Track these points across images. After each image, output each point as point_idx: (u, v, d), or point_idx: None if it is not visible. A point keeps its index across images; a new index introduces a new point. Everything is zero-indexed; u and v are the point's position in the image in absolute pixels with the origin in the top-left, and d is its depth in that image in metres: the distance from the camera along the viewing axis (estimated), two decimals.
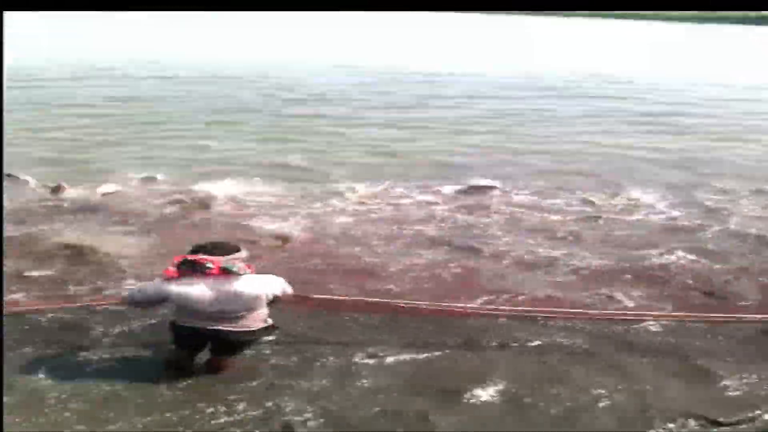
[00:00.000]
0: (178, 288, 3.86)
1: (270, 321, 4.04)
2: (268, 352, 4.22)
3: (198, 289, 3.84)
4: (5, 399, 3.58)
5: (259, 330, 3.99)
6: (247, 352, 4.09)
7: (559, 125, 13.27)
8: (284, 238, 6.38)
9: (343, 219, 7.05)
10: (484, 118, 13.85)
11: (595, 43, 40.14)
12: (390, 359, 4.19)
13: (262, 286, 3.97)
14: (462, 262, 5.90)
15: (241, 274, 3.89)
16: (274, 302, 4.05)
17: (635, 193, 8.16)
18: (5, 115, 9.63)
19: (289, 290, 4.15)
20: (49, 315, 4.57)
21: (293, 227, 6.71)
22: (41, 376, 3.88)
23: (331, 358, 4.18)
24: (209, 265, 3.86)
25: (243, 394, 3.77)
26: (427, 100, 16.16)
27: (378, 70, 21.78)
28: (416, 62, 24.22)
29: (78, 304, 4.69)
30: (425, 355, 4.26)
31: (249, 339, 3.99)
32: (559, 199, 7.96)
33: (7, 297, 4.77)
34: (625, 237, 6.71)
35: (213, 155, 9.98)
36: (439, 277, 5.63)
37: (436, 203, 7.71)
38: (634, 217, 7.38)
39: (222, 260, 3.89)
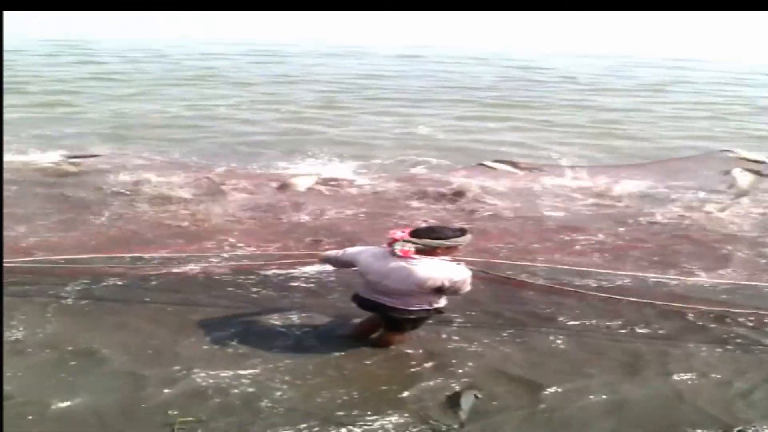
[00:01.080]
0: (363, 258, 4.15)
1: (436, 305, 4.12)
2: (443, 330, 4.47)
3: (377, 264, 4.05)
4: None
5: (419, 311, 4.10)
6: (424, 329, 4.32)
7: None
8: None
9: None
10: None
11: None
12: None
13: (435, 271, 3.98)
14: None
15: (396, 255, 3.96)
16: (445, 290, 4.06)
17: None
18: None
19: (463, 284, 4.10)
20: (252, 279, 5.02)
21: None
22: (235, 339, 4.25)
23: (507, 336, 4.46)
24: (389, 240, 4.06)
25: (409, 369, 4.04)
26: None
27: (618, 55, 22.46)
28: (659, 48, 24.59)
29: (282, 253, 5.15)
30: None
31: (410, 317, 4.12)
32: None
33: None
34: None
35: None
36: None
37: None
38: None
39: (400, 240, 3.99)
